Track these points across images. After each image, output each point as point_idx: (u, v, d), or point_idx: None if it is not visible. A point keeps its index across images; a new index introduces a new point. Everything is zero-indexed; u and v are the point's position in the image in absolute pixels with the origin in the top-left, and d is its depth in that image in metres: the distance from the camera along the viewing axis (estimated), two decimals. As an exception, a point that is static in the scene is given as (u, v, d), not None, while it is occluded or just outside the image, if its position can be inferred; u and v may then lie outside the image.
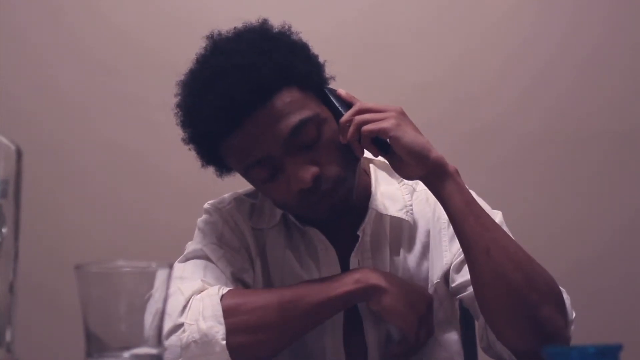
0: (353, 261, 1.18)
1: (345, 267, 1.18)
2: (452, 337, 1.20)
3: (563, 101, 2.07)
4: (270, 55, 1.08)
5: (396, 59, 2.07)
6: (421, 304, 1.11)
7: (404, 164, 1.08)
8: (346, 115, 1.10)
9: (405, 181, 1.24)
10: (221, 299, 1.05)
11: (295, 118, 1.07)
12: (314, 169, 1.07)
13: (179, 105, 1.14)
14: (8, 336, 0.67)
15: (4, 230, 0.68)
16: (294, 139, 1.07)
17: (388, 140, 1.06)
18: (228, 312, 1.03)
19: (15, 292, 0.69)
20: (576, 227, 2.02)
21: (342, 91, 1.14)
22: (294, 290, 1.10)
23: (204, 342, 1.02)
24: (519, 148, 2.03)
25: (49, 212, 1.93)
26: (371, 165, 1.25)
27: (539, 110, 2.06)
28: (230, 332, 1.03)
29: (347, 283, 1.08)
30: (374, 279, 1.09)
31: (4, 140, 0.69)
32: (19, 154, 0.69)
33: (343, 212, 1.13)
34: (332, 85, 1.17)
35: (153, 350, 0.64)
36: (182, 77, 1.14)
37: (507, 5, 2.09)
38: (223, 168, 1.17)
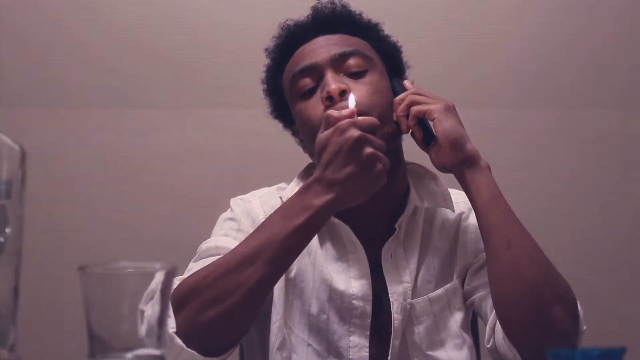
0: (385, 254, 1.17)
1: (375, 258, 1.17)
2: (468, 340, 1.19)
3: (567, 102, 2.07)
4: (360, 14, 1.24)
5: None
6: None
7: (440, 151, 1.11)
8: (402, 94, 1.16)
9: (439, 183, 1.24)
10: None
11: (350, 48, 1.17)
12: (345, 85, 1.13)
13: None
14: (11, 337, 0.67)
15: (7, 230, 0.68)
16: (342, 59, 1.16)
17: (432, 123, 1.12)
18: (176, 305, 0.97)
19: (19, 293, 0.69)
20: (578, 229, 2.01)
21: (407, 82, 1.20)
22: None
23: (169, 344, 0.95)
24: (520, 149, 2.03)
25: (52, 213, 1.93)
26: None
27: (541, 111, 2.05)
28: (180, 318, 0.96)
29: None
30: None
31: (8, 142, 0.69)
32: (23, 155, 0.69)
33: (381, 199, 1.10)
34: None
35: (156, 351, 0.64)
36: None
37: (511, 5, 2.09)
38: (280, 103, 1.25)
